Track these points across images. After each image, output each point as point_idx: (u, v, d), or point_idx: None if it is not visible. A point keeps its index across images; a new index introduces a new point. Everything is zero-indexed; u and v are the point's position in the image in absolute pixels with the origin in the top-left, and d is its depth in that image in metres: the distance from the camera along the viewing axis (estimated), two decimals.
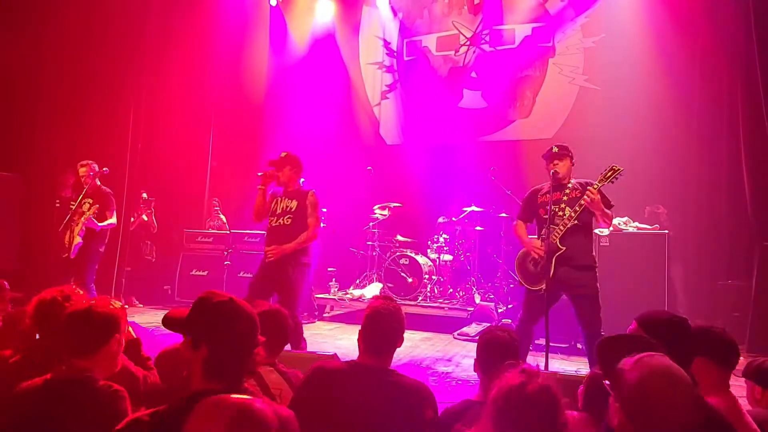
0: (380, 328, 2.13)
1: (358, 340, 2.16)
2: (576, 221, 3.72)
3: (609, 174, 3.62)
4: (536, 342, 5.15)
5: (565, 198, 3.82)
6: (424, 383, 2.12)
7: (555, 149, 3.89)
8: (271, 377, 2.21)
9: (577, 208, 3.70)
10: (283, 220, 4.32)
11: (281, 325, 2.41)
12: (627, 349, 1.51)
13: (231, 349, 1.57)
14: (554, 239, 3.75)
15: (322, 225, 4.57)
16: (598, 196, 3.63)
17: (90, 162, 5.56)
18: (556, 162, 3.85)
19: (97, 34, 7.11)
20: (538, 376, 1.49)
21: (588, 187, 3.65)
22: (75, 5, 6.97)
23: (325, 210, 7.62)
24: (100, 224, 5.41)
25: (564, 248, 3.73)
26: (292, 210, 4.32)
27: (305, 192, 4.39)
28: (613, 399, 1.48)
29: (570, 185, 3.87)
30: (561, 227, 3.75)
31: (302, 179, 4.64)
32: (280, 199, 4.42)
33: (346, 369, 2.10)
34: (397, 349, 2.23)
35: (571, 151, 3.92)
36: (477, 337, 2.23)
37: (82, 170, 5.52)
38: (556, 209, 3.80)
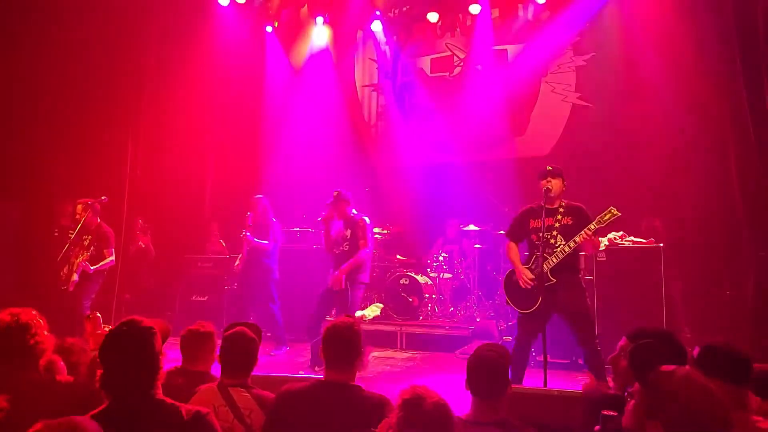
0: (337, 343, 2.23)
1: (322, 357, 2.26)
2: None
3: (607, 217, 3.75)
4: (538, 359, 5.15)
5: (557, 225, 3.93)
6: (386, 397, 2.19)
7: (549, 168, 4.02)
8: (240, 397, 2.29)
9: (572, 245, 3.81)
10: (342, 247, 5.15)
11: (246, 347, 2.46)
12: (660, 355, 1.56)
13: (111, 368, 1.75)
14: (546, 269, 3.83)
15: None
16: (595, 236, 3.78)
17: (91, 201, 5.61)
18: (549, 179, 3.95)
19: (96, 61, 7.21)
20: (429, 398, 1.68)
21: (585, 230, 3.77)
22: (74, 32, 7.08)
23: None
24: (93, 267, 5.48)
25: (554, 280, 3.84)
26: (348, 238, 5.14)
27: (357, 220, 5.16)
28: (639, 406, 1.51)
29: (561, 210, 3.97)
30: (554, 259, 3.84)
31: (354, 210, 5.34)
32: (340, 230, 5.23)
33: (310, 388, 2.19)
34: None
35: (563, 173, 4.03)
36: None
37: (79, 208, 5.58)
38: (548, 236, 3.88)
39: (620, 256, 5.25)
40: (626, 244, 5.23)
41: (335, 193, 5.25)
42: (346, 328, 2.26)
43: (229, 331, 2.52)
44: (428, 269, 7.30)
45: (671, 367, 1.49)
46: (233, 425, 2.19)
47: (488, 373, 2.06)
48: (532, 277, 3.87)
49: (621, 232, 5.15)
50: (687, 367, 1.50)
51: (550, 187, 3.92)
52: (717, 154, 6.24)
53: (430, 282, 7.13)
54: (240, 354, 2.42)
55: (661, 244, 5.12)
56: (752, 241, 5.60)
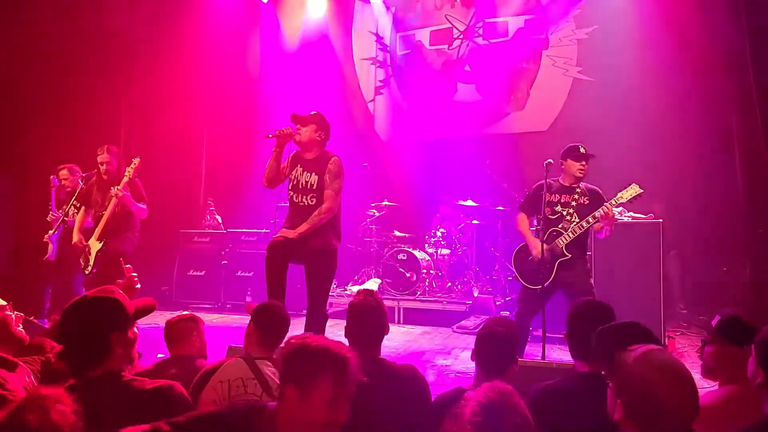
0: (364, 323, 2.22)
1: (346, 335, 2.23)
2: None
3: (629, 194, 3.70)
4: (534, 333, 5.18)
5: (573, 203, 3.89)
6: (412, 365, 2.23)
7: (583, 150, 3.91)
8: (268, 370, 2.27)
9: (590, 220, 3.76)
10: (306, 199, 3.67)
11: (275, 319, 2.44)
12: (625, 339, 1.52)
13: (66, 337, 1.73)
14: (561, 244, 3.81)
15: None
16: (614, 212, 3.72)
17: (70, 168, 5.51)
18: (583, 163, 3.90)
19: (88, 35, 7.06)
20: None
21: (606, 204, 3.72)
22: (64, 7, 6.92)
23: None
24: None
25: (569, 255, 3.81)
26: (314, 187, 3.64)
27: (326, 160, 3.64)
28: (613, 393, 1.47)
29: (579, 190, 3.93)
30: (570, 234, 3.81)
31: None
32: (301, 169, 3.73)
33: None
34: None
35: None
36: (476, 330, 2.27)
37: (63, 173, 5.47)
38: (564, 213, 3.85)
39: (619, 232, 5.21)
40: (626, 219, 5.20)
41: (313, 112, 3.74)
42: (373, 309, 2.23)
43: (263, 305, 2.52)
44: (426, 245, 7.29)
45: (634, 347, 1.45)
46: (262, 398, 2.20)
47: (497, 348, 2.09)
48: (542, 247, 3.84)
49: (620, 208, 5.13)
50: (649, 345, 1.45)
51: (583, 170, 3.87)
52: (720, 132, 6.20)
53: (427, 258, 7.12)
54: (272, 327, 2.41)
55: (661, 220, 5.09)
56: (751, 218, 5.59)
